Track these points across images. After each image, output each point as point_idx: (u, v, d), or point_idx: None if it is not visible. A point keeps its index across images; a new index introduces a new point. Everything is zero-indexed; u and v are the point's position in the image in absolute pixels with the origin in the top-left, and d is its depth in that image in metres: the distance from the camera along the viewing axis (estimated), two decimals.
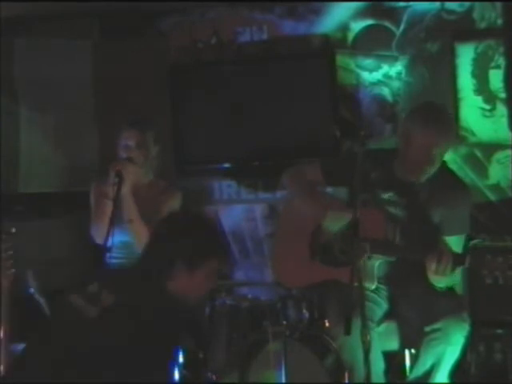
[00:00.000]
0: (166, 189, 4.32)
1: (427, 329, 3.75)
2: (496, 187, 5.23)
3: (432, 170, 3.85)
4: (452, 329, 3.72)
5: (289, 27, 5.75)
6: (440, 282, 3.69)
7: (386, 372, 3.88)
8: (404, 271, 3.87)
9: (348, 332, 3.15)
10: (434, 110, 3.98)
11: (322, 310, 4.23)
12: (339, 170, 4.01)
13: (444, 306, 3.75)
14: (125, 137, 4.24)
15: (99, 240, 4.13)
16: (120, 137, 4.26)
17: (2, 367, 3.94)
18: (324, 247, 4.03)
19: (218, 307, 4.84)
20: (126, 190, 4.04)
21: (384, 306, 3.96)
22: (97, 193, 4.26)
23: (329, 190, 4.25)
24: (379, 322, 3.91)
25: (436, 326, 3.72)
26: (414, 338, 3.86)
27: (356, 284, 3.22)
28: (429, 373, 3.76)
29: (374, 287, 3.86)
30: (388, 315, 3.98)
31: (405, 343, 3.99)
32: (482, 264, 3.46)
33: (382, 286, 3.95)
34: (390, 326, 3.96)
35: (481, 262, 3.47)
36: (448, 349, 3.73)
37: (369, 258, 3.73)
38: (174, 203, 4.29)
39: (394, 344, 3.98)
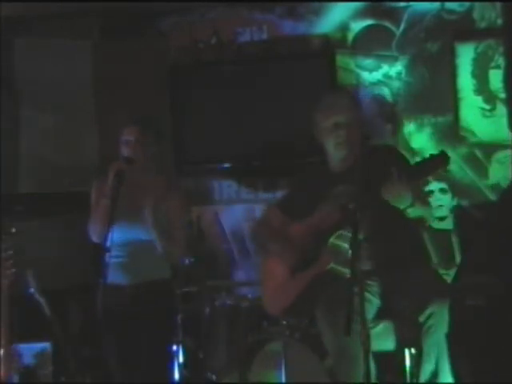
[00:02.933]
0: (167, 189, 4.32)
1: (421, 319, 3.75)
2: (496, 187, 5.23)
3: (353, 148, 3.89)
4: (444, 312, 3.72)
5: (289, 27, 5.75)
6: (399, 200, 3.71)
7: (384, 372, 3.88)
8: (391, 261, 3.87)
9: (348, 332, 3.15)
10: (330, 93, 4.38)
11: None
12: (297, 203, 4.08)
13: (432, 290, 3.77)
14: (126, 133, 4.27)
15: (96, 238, 4.14)
16: (121, 133, 4.29)
17: (2, 367, 3.95)
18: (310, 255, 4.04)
19: (218, 307, 4.84)
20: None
21: (376, 302, 3.96)
22: (97, 191, 4.27)
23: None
24: (373, 321, 3.90)
25: (428, 311, 3.72)
26: (411, 333, 3.86)
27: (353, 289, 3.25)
28: (436, 371, 3.76)
29: (367, 268, 3.82)
30: (382, 313, 3.97)
31: (402, 341, 3.98)
32: None
33: (371, 282, 3.93)
34: (386, 326, 3.96)
35: None
36: (445, 335, 3.73)
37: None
38: (176, 204, 4.30)
39: (391, 344, 3.98)
